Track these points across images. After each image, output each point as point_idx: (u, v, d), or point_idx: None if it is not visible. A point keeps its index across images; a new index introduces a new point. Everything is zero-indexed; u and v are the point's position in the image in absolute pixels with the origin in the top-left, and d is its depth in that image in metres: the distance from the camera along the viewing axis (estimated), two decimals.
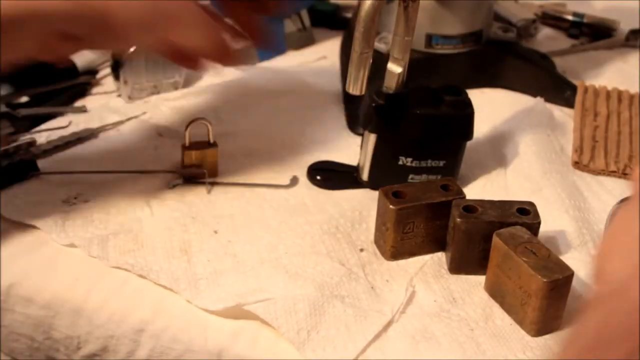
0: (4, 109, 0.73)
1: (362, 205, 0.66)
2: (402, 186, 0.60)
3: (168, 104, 0.78)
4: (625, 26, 0.97)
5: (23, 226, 0.62)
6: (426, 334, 0.54)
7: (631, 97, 0.82)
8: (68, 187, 0.65)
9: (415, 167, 0.67)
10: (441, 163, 0.67)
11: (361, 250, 0.61)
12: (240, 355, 0.53)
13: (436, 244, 0.61)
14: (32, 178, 0.66)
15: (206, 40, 0.59)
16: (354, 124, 0.76)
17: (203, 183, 0.67)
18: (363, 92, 0.60)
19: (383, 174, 0.66)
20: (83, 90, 0.81)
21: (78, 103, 0.78)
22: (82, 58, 0.82)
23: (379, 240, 0.61)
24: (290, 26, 0.90)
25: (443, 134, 0.66)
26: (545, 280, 0.51)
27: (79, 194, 0.65)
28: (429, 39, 0.80)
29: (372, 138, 0.65)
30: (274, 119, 0.77)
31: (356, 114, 0.68)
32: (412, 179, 0.67)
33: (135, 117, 0.75)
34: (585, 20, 0.97)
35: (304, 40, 0.92)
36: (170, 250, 0.60)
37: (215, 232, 0.62)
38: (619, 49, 0.95)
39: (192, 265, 0.59)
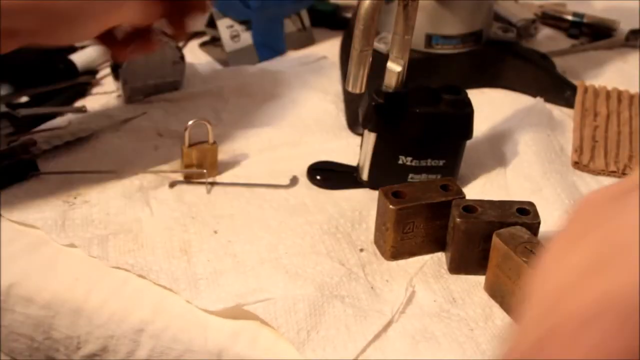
0: (4, 109, 0.73)
1: (362, 205, 0.66)
2: (402, 186, 0.60)
3: (168, 104, 0.78)
4: (625, 26, 0.97)
5: (23, 226, 0.62)
6: (426, 334, 0.54)
7: (631, 97, 0.82)
8: (68, 187, 0.65)
9: (415, 167, 0.67)
10: (441, 162, 0.67)
11: (361, 250, 0.61)
12: (240, 355, 0.53)
13: (436, 244, 0.61)
14: (32, 178, 0.66)
15: (147, 17, 0.61)
16: (354, 124, 0.76)
17: (203, 183, 0.67)
18: (363, 90, 0.60)
19: (383, 174, 0.66)
20: (83, 90, 0.81)
21: (78, 103, 0.78)
22: (82, 58, 0.82)
23: (378, 240, 0.61)
24: (290, 26, 0.90)
25: (443, 133, 0.66)
26: None
27: (79, 194, 0.65)
28: (429, 39, 0.80)
29: (371, 137, 0.65)
30: (274, 119, 0.77)
31: (356, 113, 0.68)
32: (412, 178, 0.67)
33: (135, 117, 0.75)
34: (585, 20, 0.97)
35: (304, 40, 0.92)
36: (170, 250, 0.60)
37: (215, 232, 0.62)
38: (619, 49, 0.95)
39: (192, 265, 0.59)
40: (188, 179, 0.67)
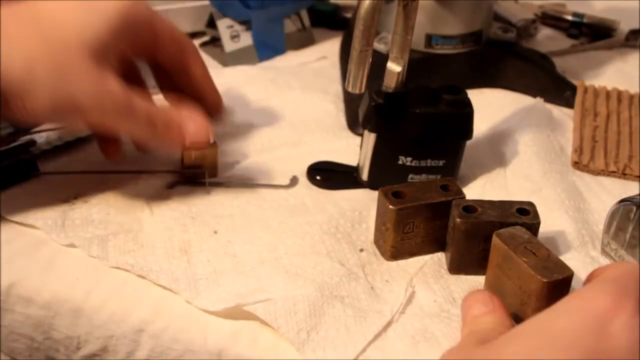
0: None
1: (362, 205, 0.66)
2: (402, 186, 0.60)
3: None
4: (625, 26, 0.97)
5: (23, 226, 0.62)
6: (426, 334, 0.54)
7: (631, 97, 0.82)
8: (68, 187, 0.65)
9: (415, 167, 0.67)
10: (441, 162, 0.67)
11: (361, 250, 0.61)
12: (240, 356, 0.53)
13: (436, 244, 0.61)
14: (32, 178, 0.66)
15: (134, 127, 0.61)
16: (354, 124, 0.76)
17: (203, 183, 0.67)
18: (363, 91, 0.60)
19: (383, 174, 0.66)
20: None
21: None
22: None
23: (378, 241, 0.61)
24: (290, 26, 0.90)
25: (442, 132, 0.66)
26: (544, 280, 0.51)
27: (79, 194, 0.65)
28: (429, 39, 0.80)
29: (371, 137, 0.65)
30: (274, 119, 0.77)
31: (356, 113, 0.68)
32: (411, 178, 0.67)
33: None
34: (585, 21, 0.97)
35: (304, 40, 0.92)
36: (170, 250, 0.60)
37: (215, 232, 0.62)
38: (619, 49, 0.96)
39: (192, 265, 0.59)
40: (188, 179, 0.67)
